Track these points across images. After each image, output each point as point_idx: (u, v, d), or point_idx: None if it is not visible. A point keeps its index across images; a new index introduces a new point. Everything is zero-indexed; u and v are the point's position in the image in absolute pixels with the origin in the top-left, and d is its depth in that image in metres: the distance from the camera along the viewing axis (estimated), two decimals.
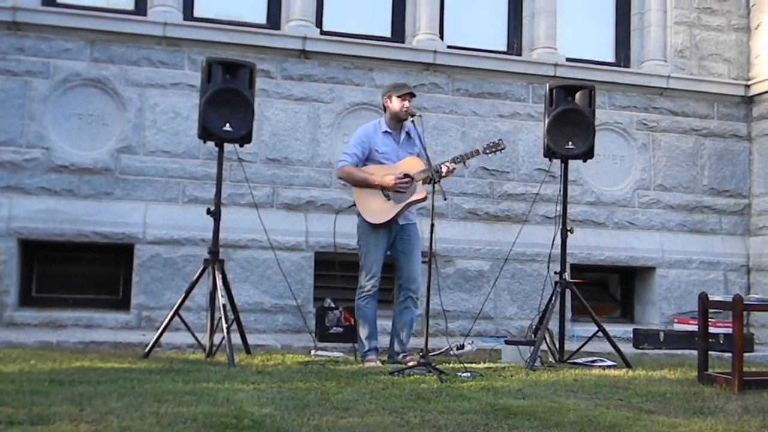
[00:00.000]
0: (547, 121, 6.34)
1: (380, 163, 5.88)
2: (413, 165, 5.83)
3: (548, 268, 6.46)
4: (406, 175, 5.78)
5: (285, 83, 7.54)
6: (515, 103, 8.09)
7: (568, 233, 6.32)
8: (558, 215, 6.46)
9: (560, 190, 6.43)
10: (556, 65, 8.12)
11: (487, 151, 6.00)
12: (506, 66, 8.10)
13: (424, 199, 5.83)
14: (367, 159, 5.90)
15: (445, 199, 5.62)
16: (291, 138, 7.53)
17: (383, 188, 5.80)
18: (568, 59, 8.24)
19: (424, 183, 5.80)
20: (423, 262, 5.97)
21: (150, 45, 7.24)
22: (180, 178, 7.22)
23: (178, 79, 7.28)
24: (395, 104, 5.90)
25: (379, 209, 5.80)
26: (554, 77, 7.95)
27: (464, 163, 5.88)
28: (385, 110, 6.03)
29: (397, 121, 5.94)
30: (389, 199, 5.80)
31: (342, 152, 6.01)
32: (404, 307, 5.92)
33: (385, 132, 5.95)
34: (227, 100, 5.71)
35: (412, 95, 5.94)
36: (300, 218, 7.44)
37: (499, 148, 6.01)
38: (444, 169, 5.75)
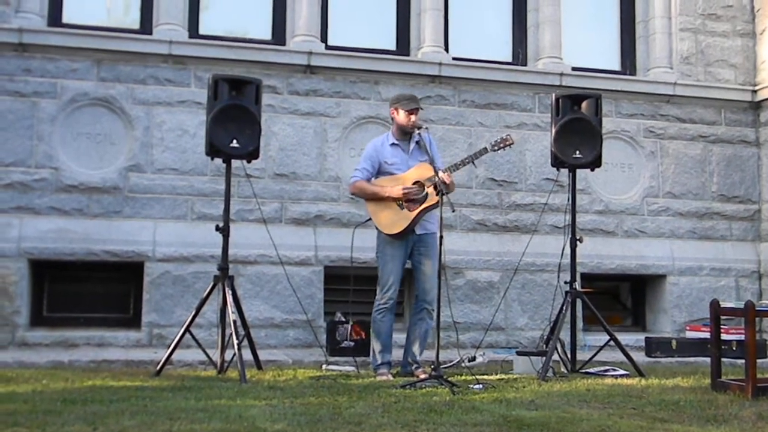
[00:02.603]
0: (554, 130, 6.35)
1: (391, 174, 5.93)
2: (423, 172, 5.85)
3: (558, 277, 6.45)
4: (416, 182, 5.82)
5: (291, 98, 7.58)
6: (522, 113, 8.10)
7: (578, 242, 6.31)
8: (567, 225, 6.45)
9: (569, 200, 6.43)
10: (561, 75, 8.13)
11: (495, 147, 6.00)
12: (512, 76, 8.12)
13: (437, 205, 5.82)
14: (379, 172, 5.96)
15: (453, 211, 5.62)
16: (298, 153, 7.55)
17: (395, 199, 5.83)
18: (573, 68, 8.25)
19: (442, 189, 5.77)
20: None
21: (156, 63, 7.29)
22: (188, 195, 7.25)
23: (184, 97, 7.32)
24: (402, 117, 5.95)
25: (393, 220, 5.83)
26: (560, 87, 7.96)
27: (473, 162, 5.88)
28: (392, 120, 6.08)
29: (404, 132, 5.97)
30: (402, 209, 5.83)
31: (354, 168, 6.06)
32: (419, 319, 5.93)
33: (393, 144, 5.99)
34: (234, 117, 5.74)
35: (420, 108, 5.98)
36: (309, 233, 7.46)
37: (507, 143, 6.01)
38: (442, 178, 5.70)
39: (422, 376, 5.55)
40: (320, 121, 7.63)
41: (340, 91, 7.69)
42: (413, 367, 5.90)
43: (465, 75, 7.96)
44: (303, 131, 7.59)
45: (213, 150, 5.79)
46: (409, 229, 5.83)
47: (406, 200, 5.81)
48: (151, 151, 7.24)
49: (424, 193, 5.81)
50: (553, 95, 6.46)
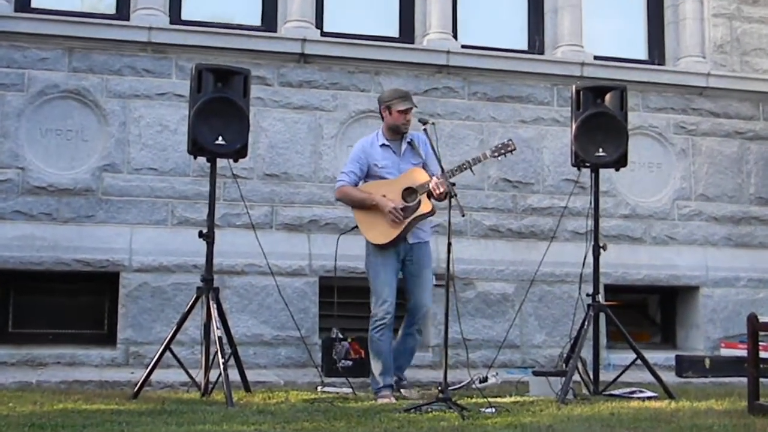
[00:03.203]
0: (574, 126, 6.35)
1: (382, 177, 5.94)
2: (416, 177, 5.87)
3: (579, 289, 6.44)
4: (408, 189, 5.84)
5: (283, 90, 7.59)
6: (538, 107, 8.11)
7: (601, 250, 6.31)
8: (589, 230, 6.46)
9: (591, 203, 6.43)
10: (582, 64, 8.15)
11: (495, 153, 5.98)
12: (527, 66, 8.13)
13: (430, 213, 5.86)
14: (368, 175, 5.97)
15: (463, 215, 5.59)
16: (290, 151, 7.56)
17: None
18: (596, 57, 8.26)
19: (435, 197, 5.79)
20: (439, 285, 5.97)
21: (134, 52, 7.30)
22: (168, 198, 7.26)
23: (164, 89, 7.33)
24: (395, 117, 5.95)
25: (381, 229, 5.85)
26: (581, 77, 7.97)
27: (471, 170, 5.88)
28: (382, 118, 6.08)
29: (396, 133, 5.99)
30: (394, 222, 5.85)
31: (340, 171, 6.09)
32: (408, 334, 6.00)
33: (384, 145, 6.01)
34: (219, 111, 5.74)
35: (414, 107, 5.99)
36: (302, 240, 7.47)
37: (509, 149, 6.00)
38: (431, 185, 5.71)
39: (409, 395, 5.63)
40: (315, 116, 7.64)
41: (337, 82, 7.71)
42: (404, 382, 5.99)
43: (476, 65, 7.97)
44: (296, 127, 7.60)
45: (196, 148, 5.79)
46: (399, 239, 5.87)
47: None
48: (127, 149, 7.25)
49: (417, 200, 5.83)
50: (573, 87, 6.47)
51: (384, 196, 5.83)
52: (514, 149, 6.03)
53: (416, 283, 5.93)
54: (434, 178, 5.74)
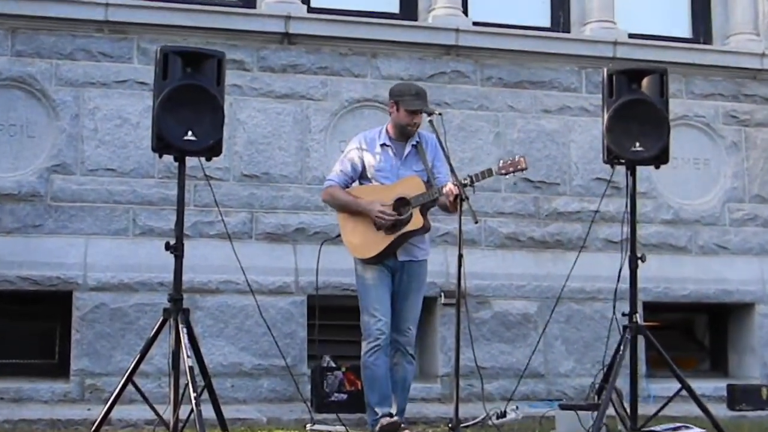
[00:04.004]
0: (606, 116, 6.34)
1: (376, 181, 5.98)
2: (412, 187, 5.89)
3: (614, 308, 6.41)
4: (401, 200, 5.84)
5: (264, 76, 7.59)
6: (564, 93, 8.11)
7: (639, 262, 6.30)
8: (625, 239, 6.44)
9: (626, 206, 6.42)
10: (615, 43, 8.15)
11: (503, 171, 5.90)
12: (551, 46, 8.13)
13: (423, 230, 5.88)
14: (362, 177, 6.02)
15: (476, 222, 5.61)
16: (273, 147, 7.56)
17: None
18: (630, 35, 8.27)
19: (449, 207, 5.76)
20: (450, 304, 5.96)
21: (88, 32, 7.30)
22: (130, 203, 7.25)
23: (124, 75, 7.33)
24: (402, 116, 5.96)
25: (365, 241, 5.89)
26: (614, 59, 7.97)
27: (472, 186, 5.82)
28: (389, 115, 6.09)
29: (402, 133, 6.02)
30: (380, 229, 5.86)
31: (331, 170, 6.11)
32: (394, 363, 5.99)
33: (384, 144, 6.02)
34: (189, 101, 5.72)
35: (425, 112, 5.95)
36: (287, 251, 7.46)
37: (519, 168, 5.89)
38: (445, 190, 5.67)
39: None
40: (301, 106, 7.64)
41: (327, 66, 7.71)
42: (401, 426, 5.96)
43: (490, 44, 7.98)
44: (279, 119, 7.60)
45: (162, 144, 5.77)
46: (386, 255, 5.88)
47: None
48: (81, 146, 7.25)
49: (409, 213, 5.85)
50: (605, 70, 6.46)
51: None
52: (525, 168, 5.96)
53: (400, 304, 5.98)
54: (449, 184, 5.71)
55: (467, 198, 5.53)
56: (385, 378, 5.89)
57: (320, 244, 6.34)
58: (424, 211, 5.86)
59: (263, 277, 7.21)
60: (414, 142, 6.01)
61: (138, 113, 7.28)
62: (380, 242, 5.85)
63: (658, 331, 6.48)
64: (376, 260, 5.89)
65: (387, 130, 6.09)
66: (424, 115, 5.87)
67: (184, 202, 5.86)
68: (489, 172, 5.83)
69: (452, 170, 5.70)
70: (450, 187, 5.67)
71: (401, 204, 5.87)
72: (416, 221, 5.84)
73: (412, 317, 6.01)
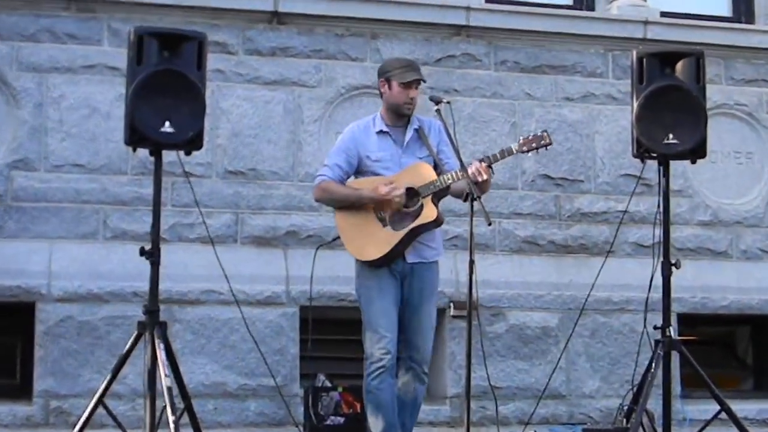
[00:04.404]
0: (636, 104, 6.35)
1: (376, 175, 5.86)
2: (420, 174, 5.80)
3: (645, 320, 6.43)
4: (408, 190, 5.74)
5: (250, 60, 7.60)
6: (588, 79, 8.12)
7: (673, 268, 6.31)
8: (657, 242, 6.45)
9: (659, 206, 6.43)
10: (646, 23, 8.15)
11: (524, 148, 5.89)
12: (573, 26, 8.14)
13: (435, 223, 5.78)
14: (358, 171, 5.91)
15: (490, 224, 5.56)
16: (260, 140, 7.57)
17: (376, 208, 5.77)
18: (663, 14, 8.27)
19: (477, 191, 5.69)
20: (460, 316, 5.95)
21: (53, 11, 7.31)
22: (100, 203, 7.26)
23: (94, 60, 7.34)
24: (395, 93, 5.86)
25: (369, 240, 5.77)
26: (644, 41, 7.97)
27: (490, 166, 5.79)
28: (381, 96, 6.03)
29: (399, 115, 5.94)
30: (385, 225, 5.78)
31: (321, 164, 6.03)
32: (404, 383, 5.92)
33: (382, 132, 5.95)
34: (166, 88, 5.73)
35: (422, 81, 5.94)
36: (277, 257, 7.47)
37: (542, 143, 5.89)
38: (471, 171, 5.61)
39: None
40: (292, 94, 7.65)
41: (322, 49, 7.71)
42: None
43: (504, 24, 7.99)
44: (267, 108, 7.61)
45: (136, 137, 5.78)
46: (395, 255, 5.78)
47: (392, 212, 5.74)
48: (45, 139, 7.26)
49: (419, 204, 5.75)
50: (634, 53, 6.47)
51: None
52: (550, 144, 5.95)
53: (411, 319, 5.84)
54: (474, 162, 5.66)
55: (479, 196, 5.47)
56: (391, 404, 5.81)
57: (315, 248, 6.34)
58: (435, 201, 5.73)
59: (250, 286, 7.22)
60: (415, 127, 5.92)
61: (109, 102, 7.29)
62: (387, 240, 5.72)
63: (694, 346, 6.50)
64: (382, 262, 5.75)
65: (381, 117, 5.97)
66: (431, 104, 5.84)
67: (160, 201, 5.86)
68: (508, 151, 5.78)
69: (462, 164, 5.65)
70: (477, 166, 5.57)
71: (409, 196, 5.73)
72: (428, 213, 5.70)
73: (426, 330, 5.85)
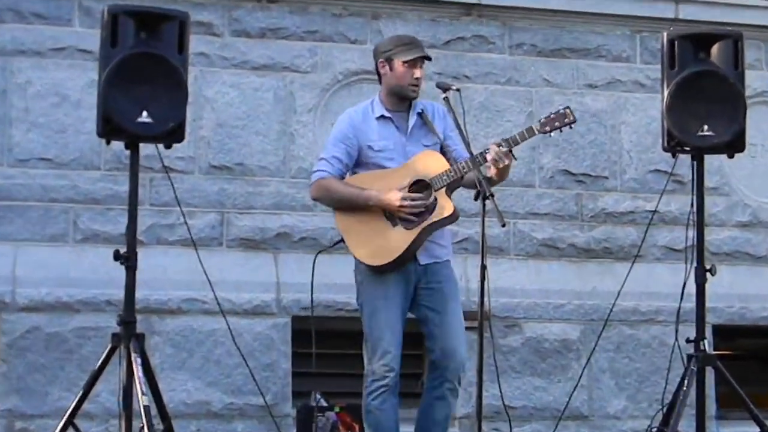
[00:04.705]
0: (666, 92, 6.35)
1: (379, 167, 5.84)
2: (429, 165, 5.78)
3: (676, 333, 6.44)
4: (418, 182, 5.72)
5: (238, 43, 7.61)
6: (613, 64, 8.13)
7: (708, 275, 6.31)
8: (690, 246, 6.45)
9: (692, 205, 6.43)
10: (678, 1, 8.15)
11: (547, 128, 5.84)
12: (597, 4, 8.14)
13: (451, 218, 5.76)
14: (358, 164, 5.87)
15: (504, 225, 5.54)
16: (249, 131, 7.57)
17: (384, 209, 5.75)
18: None
19: (496, 176, 5.65)
20: (470, 328, 5.94)
21: None
22: (70, 202, 7.27)
23: (63, 42, 7.34)
24: (399, 73, 5.82)
25: (379, 243, 5.73)
26: (675, 21, 7.97)
27: (511, 151, 5.77)
28: (379, 80, 5.99)
29: (401, 98, 5.91)
30: (396, 224, 5.75)
31: (318, 158, 5.96)
32: (435, 398, 5.88)
33: (382, 117, 5.91)
34: (144, 74, 5.73)
35: (426, 58, 5.92)
36: (266, 262, 7.48)
37: (566, 122, 5.86)
38: (491, 156, 5.59)
39: None
40: (284, 80, 7.66)
41: (317, 30, 7.72)
42: None
43: (520, 2, 7.99)
44: (256, 96, 7.61)
45: (110, 128, 5.79)
46: (406, 258, 5.76)
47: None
48: (8, 130, 7.27)
49: (432, 198, 5.73)
50: (664, 34, 6.47)
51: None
52: (574, 121, 5.93)
53: (440, 322, 5.80)
54: (492, 147, 5.62)
55: (492, 195, 5.46)
56: (394, 426, 5.83)
57: (315, 254, 6.27)
58: (449, 193, 5.67)
59: (237, 293, 7.24)
60: (419, 110, 5.88)
61: (80, 89, 7.30)
62: (399, 241, 5.66)
63: (731, 361, 6.50)
64: (393, 267, 5.70)
65: (380, 101, 5.90)
66: (438, 92, 5.83)
67: (137, 200, 5.88)
68: (529, 132, 5.71)
69: (472, 156, 5.60)
70: (495, 151, 5.53)
71: (420, 188, 5.69)
72: (444, 207, 5.65)
73: (457, 332, 5.76)
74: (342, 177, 5.80)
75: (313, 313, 6.77)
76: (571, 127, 5.87)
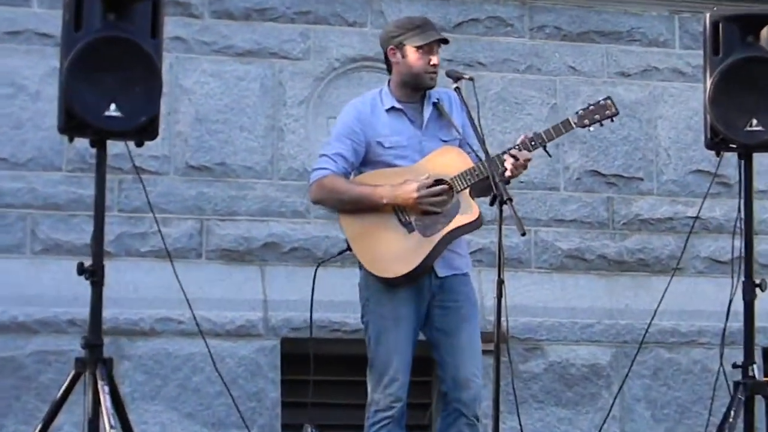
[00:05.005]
0: (709, 82, 6.36)
1: (390, 166, 5.82)
2: (451, 161, 5.73)
3: (721, 357, 6.44)
4: (438, 182, 5.71)
5: (219, 26, 7.62)
6: (649, 49, 8.15)
7: (757, 290, 6.32)
8: (737, 257, 6.46)
9: (740, 210, 6.44)
10: None
11: (585, 120, 5.89)
12: None
13: (478, 224, 5.74)
14: (365, 162, 5.85)
15: (524, 234, 5.55)
16: (232, 126, 7.59)
17: (398, 209, 5.74)
18: None
19: (511, 172, 5.66)
20: (484, 351, 5.96)
21: None
22: (27, 207, 7.28)
23: (19, 25, 7.36)
24: (412, 60, 5.81)
25: (394, 250, 5.72)
26: (719, 1, 7.99)
27: (545, 148, 5.78)
28: (389, 69, 5.99)
29: (416, 88, 5.90)
30: (412, 230, 5.74)
31: (319, 154, 5.94)
32: (451, 428, 5.90)
33: (393, 109, 5.89)
34: (112, 61, 5.74)
35: (443, 41, 5.92)
36: (252, 276, 7.49)
37: (607, 114, 5.89)
38: (509, 164, 5.63)
39: None
40: (272, 68, 7.68)
41: (310, 11, 7.73)
42: None
43: None
44: (240, 86, 7.63)
45: (73, 123, 5.80)
46: (425, 269, 5.75)
47: (419, 214, 5.70)
48: None
49: (454, 200, 5.73)
50: (707, 16, 6.48)
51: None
52: (616, 113, 5.95)
53: (453, 348, 5.82)
54: (509, 152, 5.62)
55: (510, 199, 5.44)
56: None
57: (315, 265, 6.23)
58: (473, 195, 5.64)
59: (218, 312, 7.25)
60: (434, 100, 5.84)
61: (38, 78, 7.32)
62: (417, 249, 5.62)
63: None
64: (409, 279, 5.66)
65: (389, 91, 5.86)
66: (449, 81, 5.82)
67: (104, 205, 5.88)
68: (566, 126, 5.77)
69: (487, 155, 5.59)
70: (523, 141, 5.59)
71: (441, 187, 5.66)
72: (468, 211, 5.63)
73: (475, 359, 5.75)
74: (346, 177, 5.74)
75: (300, 335, 6.81)
76: (612, 120, 5.92)
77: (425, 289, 5.73)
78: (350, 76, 7.75)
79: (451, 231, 5.64)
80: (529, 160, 5.61)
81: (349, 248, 5.77)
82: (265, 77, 7.67)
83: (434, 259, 5.65)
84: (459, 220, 5.63)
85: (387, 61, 5.86)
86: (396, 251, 5.66)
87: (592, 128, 5.85)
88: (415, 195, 5.55)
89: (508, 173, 5.58)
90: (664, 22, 8.20)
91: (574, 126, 5.76)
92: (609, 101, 5.86)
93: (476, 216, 5.63)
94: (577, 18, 8.08)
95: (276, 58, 7.68)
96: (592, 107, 5.81)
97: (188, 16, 7.55)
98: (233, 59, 7.64)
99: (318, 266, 6.12)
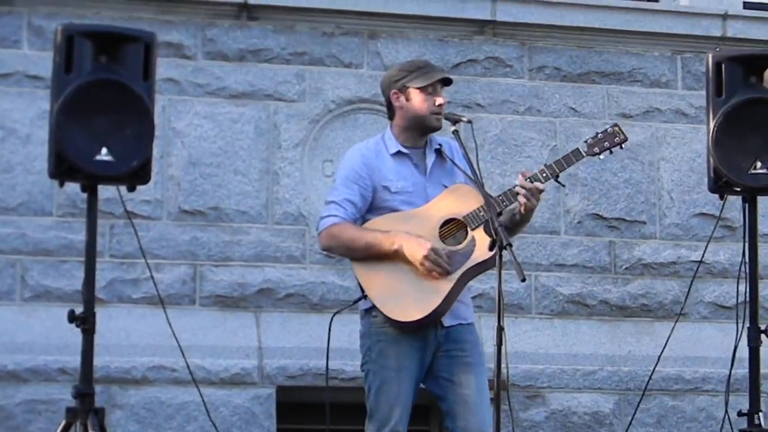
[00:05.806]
0: (712, 123, 6.37)
1: (395, 211, 5.80)
2: (460, 200, 5.73)
3: (726, 404, 6.43)
4: (449, 222, 5.69)
5: (213, 67, 7.63)
6: (651, 90, 8.16)
7: (763, 336, 6.31)
8: (742, 302, 6.45)
9: (744, 254, 6.43)
10: (725, 17, 8.19)
11: (595, 149, 5.89)
12: (632, 21, 8.19)
13: (494, 261, 5.68)
14: (370, 209, 5.81)
15: (524, 279, 5.53)
16: (225, 170, 7.58)
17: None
18: (746, 5, 8.32)
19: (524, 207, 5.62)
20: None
21: None
22: (16, 253, 7.28)
23: (10, 66, 7.37)
24: (417, 103, 5.80)
25: (413, 294, 5.67)
26: (722, 40, 8.01)
27: (557, 179, 5.77)
28: (391, 114, 5.97)
29: (422, 132, 5.89)
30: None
31: (326, 201, 5.92)
32: None
33: (398, 153, 5.87)
34: (104, 104, 5.75)
35: (447, 82, 5.92)
36: (247, 322, 7.47)
37: (616, 141, 5.89)
38: (522, 199, 5.60)
39: None
40: (267, 110, 7.68)
41: (305, 51, 7.75)
42: None
43: (541, 19, 8.04)
44: (235, 129, 7.63)
45: (64, 167, 5.79)
46: (444, 311, 5.70)
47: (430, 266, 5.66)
48: None
49: (468, 239, 5.70)
50: (710, 56, 6.49)
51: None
52: (625, 140, 5.95)
53: (461, 397, 5.77)
54: (521, 178, 5.60)
55: (510, 245, 5.42)
56: None
57: (332, 315, 6.14)
58: (487, 233, 5.55)
59: (212, 360, 7.23)
60: (436, 146, 5.84)
61: (29, 121, 7.32)
62: (436, 290, 5.56)
63: None
64: (422, 324, 5.62)
65: (393, 136, 5.83)
66: (447, 123, 5.82)
67: (95, 251, 5.88)
68: (576, 155, 5.74)
69: (486, 197, 5.58)
70: (523, 184, 5.54)
71: (453, 229, 5.66)
72: (483, 250, 5.57)
73: (484, 415, 5.66)
74: (355, 221, 5.71)
75: (293, 383, 6.79)
76: (621, 147, 5.92)
77: (431, 340, 5.69)
78: (346, 118, 7.75)
79: (470, 269, 5.61)
80: (541, 191, 5.59)
81: (364, 295, 5.70)
82: (260, 119, 7.67)
83: (453, 300, 5.59)
84: (477, 257, 5.60)
85: (389, 106, 5.81)
86: (414, 294, 5.60)
87: (602, 156, 5.84)
88: (420, 256, 5.51)
89: (522, 207, 5.58)
90: (666, 62, 8.22)
91: (584, 155, 5.74)
92: (617, 128, 5.86)
93: (492, 254, 5.52)
94: (578, 58, 8.10)
95: (271, 100, 7.69)
96: (600, 135, 5.81)
97: (181, 57, 7.56)
98: (227, 101, 7.64)
99: (334, 315, 5.99)
